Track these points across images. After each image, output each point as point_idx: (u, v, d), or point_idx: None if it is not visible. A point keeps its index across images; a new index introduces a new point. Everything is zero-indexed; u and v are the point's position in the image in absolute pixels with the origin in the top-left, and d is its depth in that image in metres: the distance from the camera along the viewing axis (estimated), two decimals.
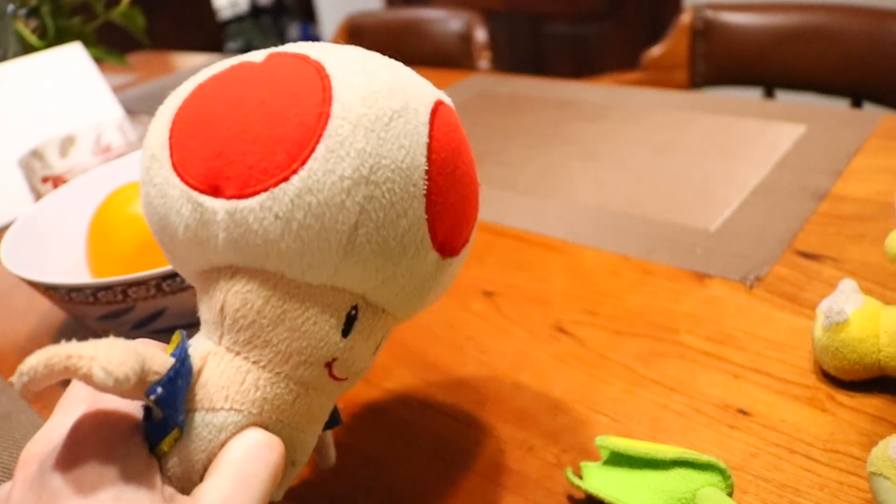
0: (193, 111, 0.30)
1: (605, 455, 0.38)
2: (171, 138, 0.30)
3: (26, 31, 1.05)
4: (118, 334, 0.50)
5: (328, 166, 0.27)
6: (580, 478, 0.38)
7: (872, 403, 0.41)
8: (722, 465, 0.35)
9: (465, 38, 1.47)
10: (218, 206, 0.28)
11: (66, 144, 0.82)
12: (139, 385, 0.26)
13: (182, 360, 0.28)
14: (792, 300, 0.51)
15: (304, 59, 0.30)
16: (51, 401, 0.54)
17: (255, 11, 4.81)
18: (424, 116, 0.30)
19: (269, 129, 0.28)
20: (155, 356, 0.27)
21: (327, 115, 0.28)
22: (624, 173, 0.73)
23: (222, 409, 0.29)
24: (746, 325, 0.49)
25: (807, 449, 0.39)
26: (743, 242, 0.58)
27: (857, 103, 1.14)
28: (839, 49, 1.13)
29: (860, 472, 0.37)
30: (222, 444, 0.29)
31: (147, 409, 0.29)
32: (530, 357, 0.49)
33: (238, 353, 0.30)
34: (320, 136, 0.28)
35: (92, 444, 0.26)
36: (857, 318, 0.41)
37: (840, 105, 1.14)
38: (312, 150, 0.27)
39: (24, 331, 0.64)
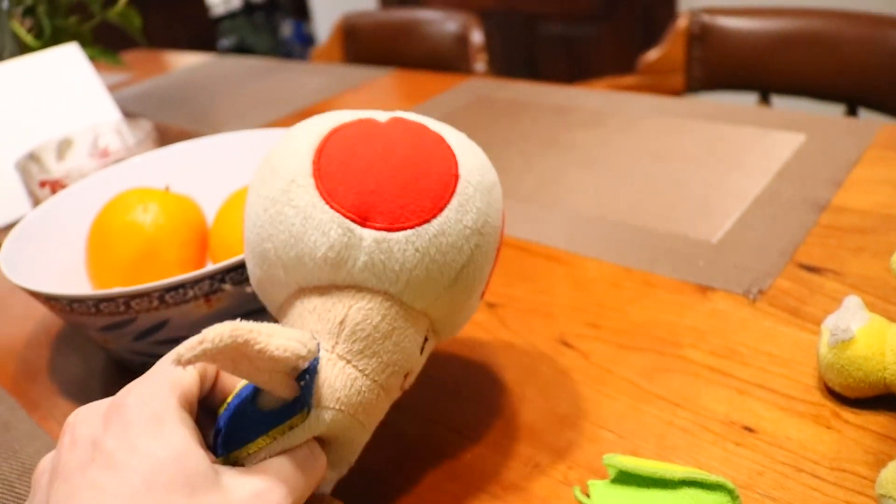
0: (340, 150, 0.36)
1: (612, 473, 0.38)
2: (316, 169, 0.35)
3: (22, 30, 1.04)
4: (119, 346, 0.50)
5: (458, 216, 0.36)
6: (588, 496, 0.38)
7: (878, 421, 0.41)
8: (730, 485, 0.35)
9: (462, 39, 1.47)
10: (366, 234, 0.34)
11: (63, 147, 0.81)
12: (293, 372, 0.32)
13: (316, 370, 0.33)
14: (795, 314, 0.51)
15: (425, 128, 0.38)
16: (50, 411, 0.53)
17: (248, 8, 4.79)
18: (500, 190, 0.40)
19: (415, 179, 0.35)
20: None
21: (457, 177, 0.36)
22: (624, 182, 0.73)
23: (333, 408, 0.33)
24: (750, 339, 0.49)
25: (813, 467, 0.39)
26: (745, 254, 0.58)
27: (852, 110, 1.14)
28: (836, 55, 1.13)
29: (867, 492, 0.37)
30: (325, 438, 0.34)
31: (217, 428, 0.33)
32: (535, 371, 0.49)
33: (349, 362, 0.35)
34: (454, 191, 0.36)
35: (144, 414, 0.29)
36: (863, 335, 0.41)
37: (836, 111, 1.14)
38: (448, 202, 0.36)
39: (21, 337, 0.64)
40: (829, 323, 0.43)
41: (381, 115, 0.39)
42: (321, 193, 0.35)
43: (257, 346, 0.28)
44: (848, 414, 0.42)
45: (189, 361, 0.27)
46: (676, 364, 0.48)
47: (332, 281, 0.35)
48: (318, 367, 0.33)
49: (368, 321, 0.35)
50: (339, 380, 0.34)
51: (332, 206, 0.34)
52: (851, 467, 0.38)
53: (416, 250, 0.35)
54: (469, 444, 0.44)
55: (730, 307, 0.53)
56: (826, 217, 0.61)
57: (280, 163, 0.37)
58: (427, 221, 0.35)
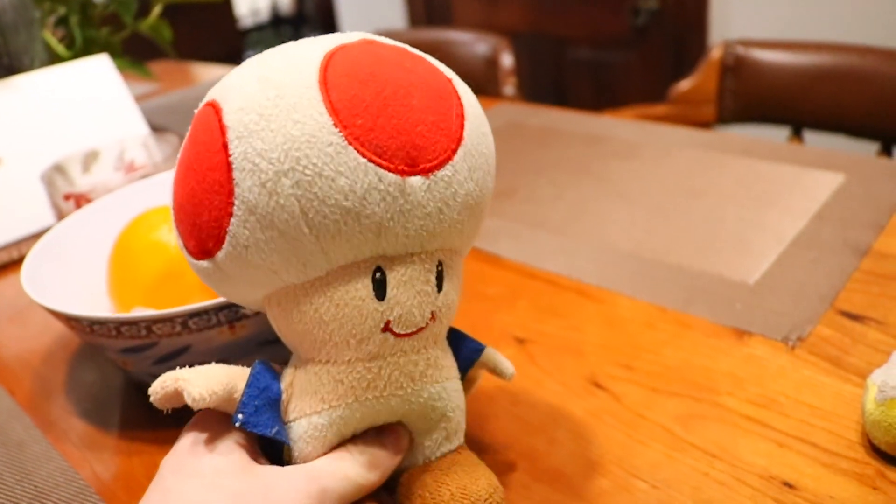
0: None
1: None
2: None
3: (53, 40, 1.04)
4: (139, 368, 0.49)
5: (248, 184, 0.31)
6: None
7: None
8: None
9: (492, 62, 1.46)
10: (215, 265, 0.33)
11: (89, 160, 0.81)
12: (230, 406, 0.34)
13: (254, 384, 0.34)
14: (836, 364, 0.49)
15: (208, 104, 0.34)
16: (66, 433, 0.52)
17: (276, 21, 4.83)
18: (312, 78, 0.32)
19: (202, 187, 0.32)
20: (243, 381, 0.34)
21: (225, 144, 0.31)
22: (657, 216, 0.72)
23: (322, 410, 0.34)
24: (789, 388, 0.47)
25: None
26: (783, 298, 0.56)
27: (887, 147, 1.12)
28: (871, 91, 1.11)
29: None
30: (335, 435, 0.34)
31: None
32: (565, 412, 0.48)
33: (312, 360, 0.34)
34: (228, 164, 0.31)
35: (197, 445, 0.34)
36: None
37: (870, 148, 1.12)
38: (230, 180, 0.31)
39: (38, 352, 0.63)
40: (877, 378, 0.42)
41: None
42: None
43: (179, 391, 0.32)
44: (894, 474, 0.40)
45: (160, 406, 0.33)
46: (712, 412, 0.46)
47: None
48: (276, 391, 0.35)
49: (281, 323, 0.35)
50: (312, 382, 0.34)
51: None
52: None
53: (246, 248, 0.32)
54: None
55: (767, 353, 0.51)
56: (868, 262, 0.59)
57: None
58: (230, 215, 0.31)
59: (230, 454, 0.33)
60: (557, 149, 0.92)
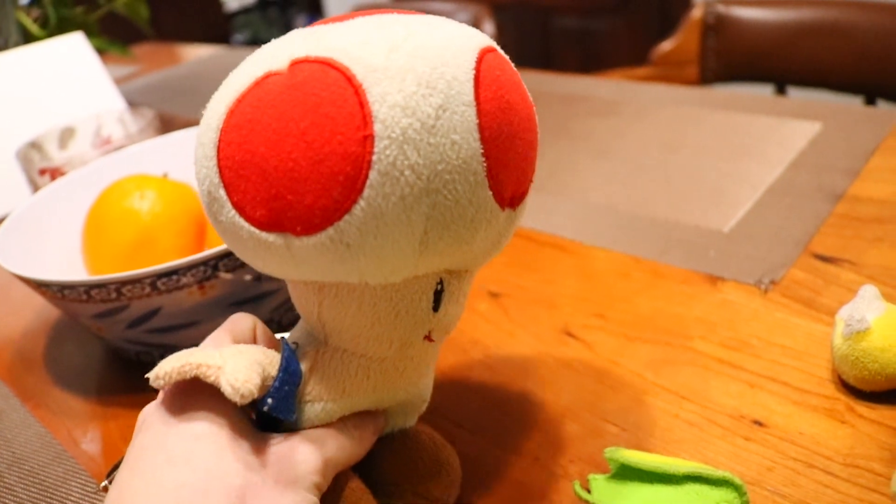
0: (237, 147, 0.29)
1: (614, 468, 0.36)
2: (223, 178, 0.29)
3: (28, 20, 1.03)
4: (112, 333, 0.49)
5: (385, 191, 0.27)
6: (588, 491, 0.36)
7: (894, 416, 0.39)
8: (737, 480, 0.33)
9: None
10: (288, 243, 0.29)
11: (66, 136, 0.80)
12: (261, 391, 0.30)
13: (287, 370, 0.32)
14: (809, 305, 0.49)
15: (328, 65, 0.28)
16: (42, 400, 0.52)
17: (262, 3, 4.79)
18: (469, 95, 0.28)
19: (317, 165, 0.27)
20: (273, 364, 0.32)
21: (371, 138, 0.27)
22: (635, 171, 0.72)
23: (341, 398, 0.33)
24: (762, 331, 0.47)
25: (826, 463, 0.37)
26: (757, 244, 0.56)
27: (870, 101, 1.11)
28: (853, 46, 1.11)
29: (882, 489, 0.35)
30: (340, 419, 0.34)
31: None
32: (537, 362, 0.48)
33: (346, 350, 0.33)
34: (369, 162, 0.27)
35: (191, 401, 0.31)
36: (879, 326, 0.40)
37: (853, 102, 1.12)
38: (366, 179, 0.27)
39: (18, 327, 0.63)
40: (844, 313, 0.42)
41: (283, 61, 0.29)
42: (235, 206, 0.29)
43: (209, 380, 0.29)
44: (863, 408, 0.40)
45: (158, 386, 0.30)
46: (685, 356, 0.46)
47: (296, 276, 0.32)
48: (300, 373, 0.33)
49: (343, 314, 0.32)
50: (339, 371, 0.34)
51: (248, 221, 0.29)
52: (866, 464, 0.37)
53: (348, 245, 0.28)
54: (468, 436, 0.43)
55: (741, 298, 0.51)
56: (842, 207, 0.59)
57: (198, 166, 0.31)
58: (347, 212, 0.27)
59: (230, 415, 0.31)
60: (536, 109, 0.92)
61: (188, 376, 0.29)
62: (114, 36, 1.16)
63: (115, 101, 0.96)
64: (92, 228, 0.57)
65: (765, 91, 1.23)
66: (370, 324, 0.32)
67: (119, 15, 1.16)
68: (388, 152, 0.27)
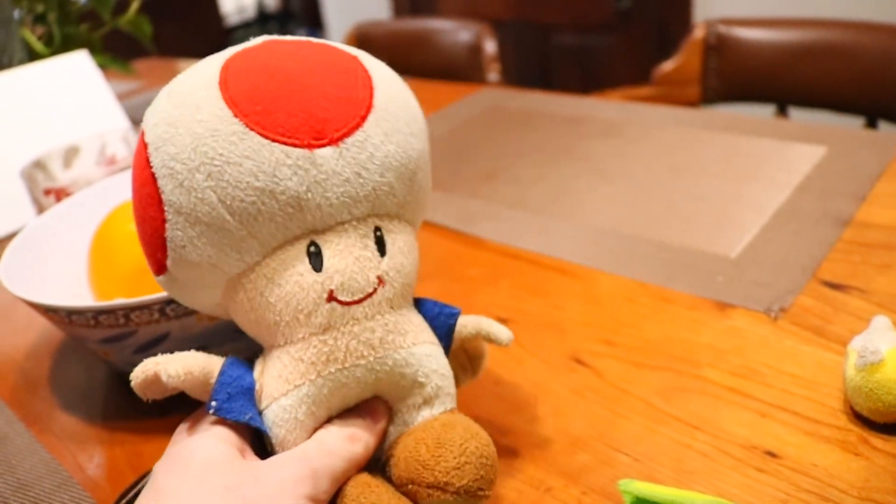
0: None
1: (629, 500, 0.36)
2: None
3: (32, 37, 1.03)
4: (119, 358, 0.49)
5: (169, 187, 0.33)
6: None
7: None
8: None
9: (475, 49, 1.46)
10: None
11: (70, 155, 0.80)
12: (205, 391, 0.35)
13: (226, 373, 0.35)
14: (818, 333, 0.49)
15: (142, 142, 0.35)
16: (47, 424, 0.52)
17: (263, 18, 4.81)
18: (210, 81, 0.34)
19: (138, 202, 0.35)
20: (217, 372, 0.35)
21: (147, 159, 0.34)
22: (639, 194, 0.72)
23: (287, 391, 0.34)
24: (771, 359, 0.47)
25: (840, 496, 0.37)
26: (765, 270, 0.56)
27: (872, 122, 1.12)
28: (854, 66, 1.11)
29: None
30: (307, 416, 0.34)
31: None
32: (547, 389, 0.48)
33: (273, 346, 0.35)
34: (153, 176, 0.33)
35: (187, 445, 0.34)
36: (893, 357, 0.39)
37: (855, 123, 1.12)
38: (158, 190, 0.33)
39: (22, 348, 0.62)
40: (857, 344, 0.42)
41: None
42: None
43: (157, 371, 0.33)
44: (877, 440, 0.40)
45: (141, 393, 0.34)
46: (694, 384, 0.46)
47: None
48: (248, 380, 0.35)
49: (237, 314, 0.37)
50: (275, 367, 0.35)
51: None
52: (881, 497, 0.36)
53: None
54: None
55: (749, 325, 0.51)
56: (849, 232, 0.59)
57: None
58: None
59: (217, 449, 0.33)
60: (539, 131, 0.92)
61: (149, 374, 0.33)
62: (115, 52, 1.16)
63: (119, 120, 0.96)
64: (98, 251, 0.56)
65: (766, 111, 1.23)
66: (266, 309, 0.34)
67: (121, 31, 1.16)
68: (156, 160, 0.33)
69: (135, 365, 0.50)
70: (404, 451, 0.35)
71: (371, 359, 0.35)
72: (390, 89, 0.37)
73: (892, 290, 0.52)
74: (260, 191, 0.32)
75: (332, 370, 0.34)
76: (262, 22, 4.82)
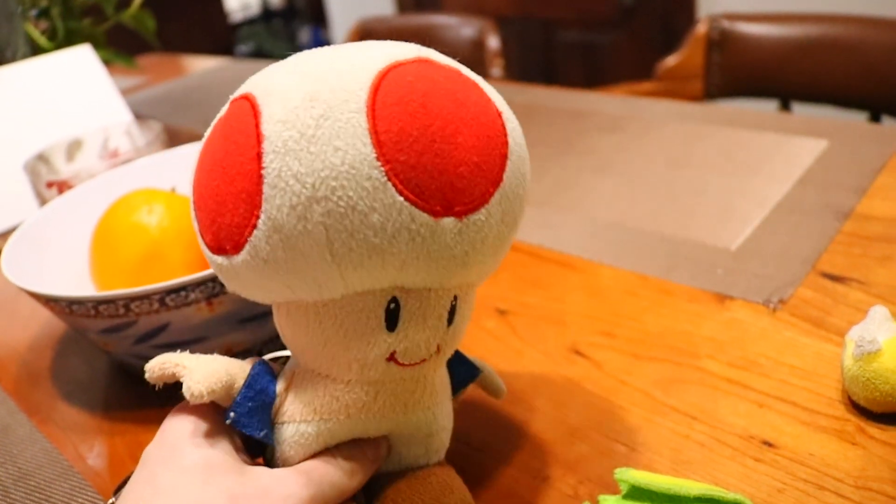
0: (194, 187, 0.33)
1: (624, 489, 0.36)
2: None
3: (36, 32, 1.04)
4: (120, 349, 0.49)
5: (277, 202, 0.29)
6: None
7: None
8: (749, 502, 0.33)
9: (478, 45, 1.46)
10: (231, 263, 0.31)
11: (73, 148, 0.80)
12: (225, 400, 0.33)
13: (251, 385, 0.34)
14: (818, 325, 0.49)
15: (245, 98, 0.32)
16: (49, 415, 0.52)
17: (267, 15, 4.81)
18: (357, 103, 0.29)
19: (230, 186, 0.30)
20: (243, 378, 0.34)
21: (260, 155, 0.29)
22: (641, 188, 0.72)
23: (313, 419, 0.34)
24: (770, 350, 0.47)
25: (836, 485, 0.37)
26: (765, 262, 0.56)
27: (875, 117, 1.12)
28: (858, 61, 1.11)
29: None
30: (321, 445, 0.34)
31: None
32: (546, 380, 0.48)
33: (314, 371, 0.34)
34: (261, 176, 0.29)
35: (184, 436, 0.33)
36: (890, 347, 0.39)
37: (858, 118, 1.12)
38: (261, 193, 0.29)
39: (24, 340, 0.63)
40: (855, 334, 0.42)
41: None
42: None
43: (179, 378, 0.32)
44: (873, 429, 0.40)
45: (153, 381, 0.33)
46: (693, 375, 0.46)
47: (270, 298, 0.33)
48: (271, 392, 0.34)
49: (294, 333, 0.34)
50: (309, 391, 0.34)
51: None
52: (878, 486, 0.37)
53: (265, 261, 0.30)
54: (476, 454, 0.43)
55: (749, 317, 0.51)
56: (850, 225, 0.59)
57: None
58: (253, 229, 0.30)
59: (218, 448, 0.32)
60: (542, 125, 0.92)
61: (167, 372, 0.32)
62: (119, 46, 1.16)
63: (122, 114, 0.96)
64: (100, 243, 0.57)
65: (769, 106, 1.23)
66: (322, 343, 0.33)
67: (125, 26, 1.16)
68: (273, 165, 0.29)
69: (136, 356, 0.50)
70: (398, 494, 0.35)
71: (400, 416, 0.35)
72: (520, 163, 0.33)
73: (892, 282, 0.51)
74: (373, 247, 0.29)
75: (362, 417, 0.34)
76: (267, 18, 4.82)
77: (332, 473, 0.33)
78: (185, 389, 0.31)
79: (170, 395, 0.35)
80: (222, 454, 0.32)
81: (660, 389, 0.46)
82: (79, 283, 0.58)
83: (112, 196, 0.60)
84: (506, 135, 0.32)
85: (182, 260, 0.56)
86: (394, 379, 0.34)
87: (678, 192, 0.70)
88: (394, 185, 0.29)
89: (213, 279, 0.46)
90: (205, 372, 0.32)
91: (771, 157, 0.73)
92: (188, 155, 0.69)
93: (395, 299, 0.32)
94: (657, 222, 0.65)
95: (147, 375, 0.32)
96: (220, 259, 0.32)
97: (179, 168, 0.68)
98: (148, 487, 0.31)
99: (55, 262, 0.58)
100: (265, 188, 0.29)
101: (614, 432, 0.43)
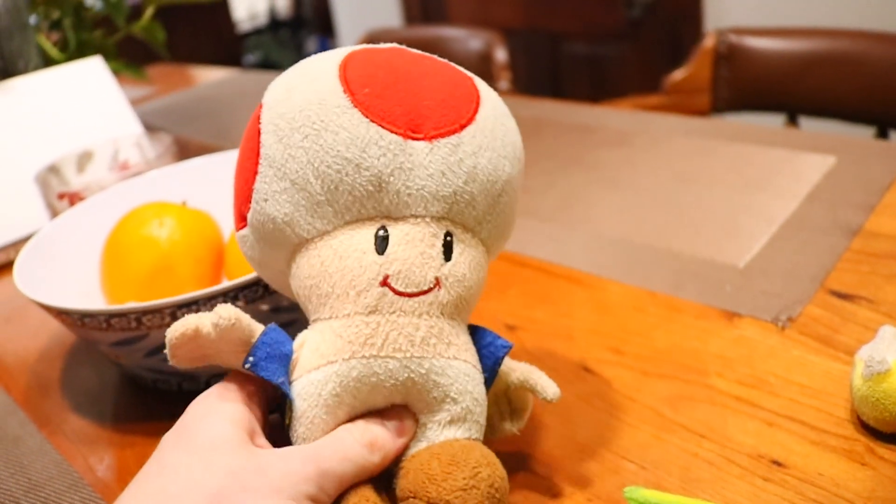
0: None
1: None
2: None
3: (48, 43, 1.05)
4: (131, 361, 0.50)
5: (268, 141, 0.36)
6: None
7: None
8: None
9: (486, 57, 1.46)
10: (243, 236, 0.39)
11: (83, 160, 0.81)
12: (243, 348, 0.35)
13: (268, 335, 0.35)
14: (826, 343, 0.49)
15: (260, 106, 0.39)
16: (59, 426, 0.52)
17: (274, 25, 4.83)
18: (333, 65, 0.37)
19: (237, 175, 0.39)
20: (258, 333, 0.36)
21: (258, 131, 0.37)
22: (648, 203, 0.72)
23: (319, 366, 0.34)
24: (779, 368, 0.47)
25: None
26: (773, 280, 0.56)
27: (882, 132, 1.12)
28: (865, 76, 1.11)
29: None
30: (332, 396, 0.34)
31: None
32: None
33: (317, 320, 0.36)
34: (259, 144, 0.37)
35: (197, 420, 0.34)
36: None
37: (865, 133, 1.12)
38: (258, 155, 0.37)
39: (34, 350, 0.63)
40: (864, 353, 0.42)
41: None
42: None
43: (195, 326, 0.34)
44: (883, 450, 0.40)
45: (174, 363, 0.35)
46: (702, 393, 0.46)
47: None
48: (286, 346, 0.36)
49: (301, 278, 0.37)
50: (315, 340, 0.35)
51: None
52: None
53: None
54: None
55: (758, 334, 0.51)
56: (858, 242, 0.59)
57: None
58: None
59: (228, 430, 0.33)
60: (549, 139, 0.93)
61: (190, 328, 0.33)
62: (129, 57, 1.17)
63: (132, 126, 0.97)
64: (110, 255, 0.57)
65: (776, 121, 1.23)
66: (322, 277, 0.35)
67: (134, 37, 1.17)
68: (266, 117, 0.37)
69: (146, 368, 0.51)
70: (415, 463, 0.35)
71: (408, 355, 0.34)
72: (495, 112, 0.39)
73: None
74: (347, 161, 0.34)
75: (367, 354, 0.34)
76: (274, 29, 4.84)
77: (346, 448, 0.33)
78: (212, 315, 0.34)
79: (180, 409, 0.35)
80: (231, 434, 0.33)
81: (668, 407, 0.46)
82: (89, 295, 0.58)
83: (123, 208, 0.60)
84: (476, 89, 0.38)
85: (192, 273, 0.56)
86: (393, 310, 0.34)
87: (685, 207, 0.70)
88: (360, 111, 0.35)
89: (224, 294, 0.46)
90: (227, 307, 0.34)
91: (778, 173, 0.73)
92: (199, 167, 0.69)
93: (383, 227, 0.35)
94: (665, 238, 0.65)
95: (168, 342, 0.34)
96: (243, 232, 0.39)
97: (190, 181, 0.68)
98: (154, 465, 0.33)
99: (66, 273, 0.58)
100: (262, 137, 0.36)
101: (623, 450, 0.43)
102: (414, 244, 0.35)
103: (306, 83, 0.36)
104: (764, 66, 1.20)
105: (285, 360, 0.35)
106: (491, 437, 0.40)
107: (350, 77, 0.36)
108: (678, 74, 1.25)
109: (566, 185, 0.79)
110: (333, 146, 0.34)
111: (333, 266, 0.35)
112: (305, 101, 0.35)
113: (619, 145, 0.87)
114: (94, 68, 0.97)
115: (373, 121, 0.35)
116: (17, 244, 0.82)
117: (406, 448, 0.36)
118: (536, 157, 0.87)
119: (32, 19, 1.01)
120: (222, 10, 4.07)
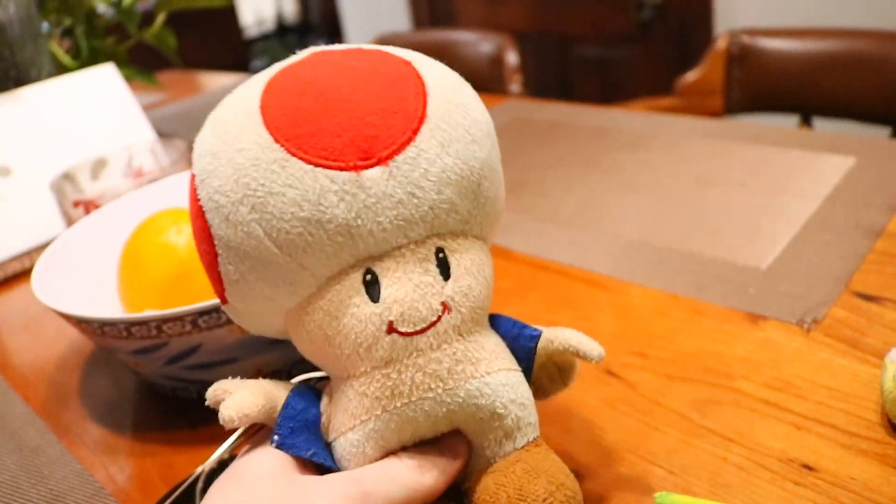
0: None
1: None
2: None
3: (60, 51, 1.05)
4: (150, 370, 0.49)
5: (216, 222, 0.32)
6: None
7: None
8: None
9: (497, 61, 1.46)
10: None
11: (98, 167, 0.81)
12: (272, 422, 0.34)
13: (289, 407, 0.34)
14: (853, 345, 0.48)
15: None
16: (79, 436, 0.52)
17: (282, 30, 4.84)
18: (251, 107, 0.33)
19: (199, 247, 0.34)
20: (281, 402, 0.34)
21: (198, 198, 0.33)
22: (667, 206, 0.71)
23: (354, 426, 0.33)
24: (806, 371, 0.47)
25: None
26: (797, 282, 0.56)
27: None
28: (879, 76, 1.10)
29: None
30: (376, 449, 0.33)
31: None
32: (580, 401, 0.47)
33: (338, 378, 0.34)
34: (204, 212, 0.33)
35: (243, 459, 0.34)
36: None
37: (881, 133, 1.11)
38: (209, 226, 0.33)
39: (52, 359, 0.63)
40: (894, 356, 0.41)
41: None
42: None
43: (219, 413, 0.33)
44: None
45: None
46: (728, 396, 0.46)
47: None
48: (313, 412, 0.35)
49: (305, 342, 0.35)
50: (342, 401, 0.34)
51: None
52: None
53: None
54: None
55: (783, 337, 0.50)
56: (881, 244, 0.59)
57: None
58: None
59: (271, 463, 0.33)
60: (565, 142, 0.92)
61: (218, 397, 0.33)
62: (140, 64, 1.17)
63: (145, 132, 0.97)
64: (128, 263, 0.57)
65: (789, 122, 1.23)
66: (325, 342, 0.33)
67: (145, 43, 1.17)
68: (203, 193, 0.32)
69: (166, 376, 0.50)
70: (484, 494, 0.33)
71: (440, 391, 0.32)
72: (447, 94, 0.34)
73: None
74: (306, 221, 0.30)
75: (398, 405, 0.32)
76: (282, 34, 4.86)
77: (393, 471, 0.32)
78: (219, 416, 0.33)
79: (201, 417, 0.35)
80: (275, 467, 0.32)
81: (695, 411, 0.45)
82: (107, 303, 0.58)
83: (139, 215, 0.60)
84: (418, 76, 0.34)
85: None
86: (409, 353, 0.32)
87: (705, 209, 0.69)
88: (299, 158, 0.31)
89: None
90: (239, 398, 0.33)
91: (798, 175, 0.73)
92: None
93: (369, 270, 0.32)
94: (685, 241, 0.64)
95: (207, 402, 0.34)
96: (226, 307, 0.36)
97: None
98: (211, 495, 0.33)
99: (84, 281, 0.58)
100: (207, 216, 0.32)
101: (651, 454, 0.42)
102: (407, 278, 0.32)
103: (230, 143, 0.32)
104: (777, 67, 1.19)
105: (313, 426, 0.34)
106: (543, 399, 0.40)
107: (275, 119, 0.31)
108: (690, 76, 1.25)
109: (584, 188, 0.78)
110: (285, 210, 0.30)
111: (332, 328, 0.32)
112: (237, 166, 0.31)
113: (636, 148, 0.87)
114: (106, 75, 0.97)
115: (317, 165, 0.30)
116: (33, 252, 0.82)
117: (466, 467, 0.35)
118: (552, 161, 0.87)
119: (44, 27, 1.01)
120: (230, 15, 4.08)
